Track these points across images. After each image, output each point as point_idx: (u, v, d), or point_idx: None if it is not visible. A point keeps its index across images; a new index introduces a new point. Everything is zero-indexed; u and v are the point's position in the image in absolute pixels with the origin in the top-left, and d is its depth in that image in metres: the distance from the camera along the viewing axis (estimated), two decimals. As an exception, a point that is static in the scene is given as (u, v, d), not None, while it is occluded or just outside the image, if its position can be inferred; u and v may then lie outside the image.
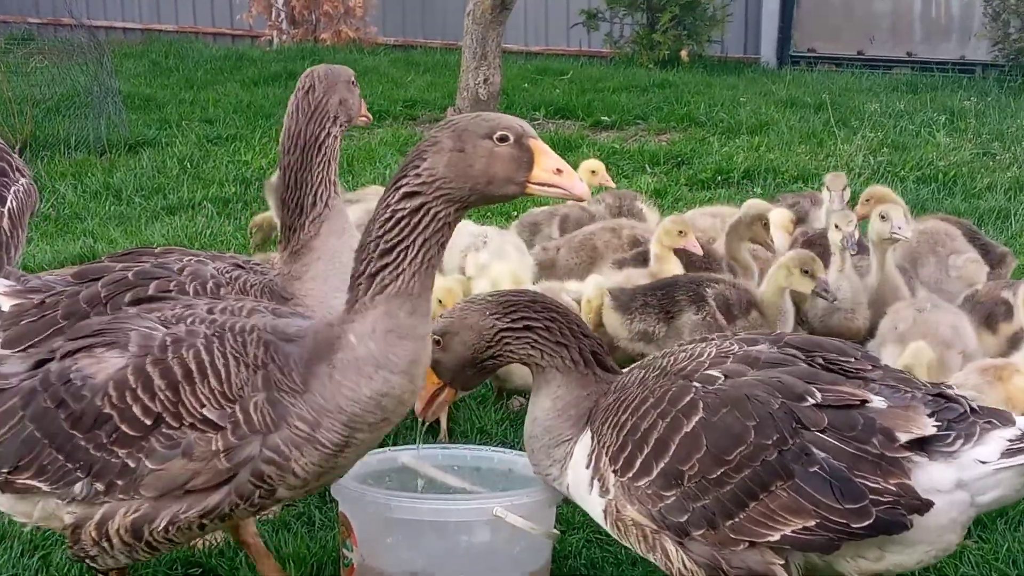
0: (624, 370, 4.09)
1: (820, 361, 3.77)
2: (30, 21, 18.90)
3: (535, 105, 13.18)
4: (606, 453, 3.80)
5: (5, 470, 3.59)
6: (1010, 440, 3.52)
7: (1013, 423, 3.58)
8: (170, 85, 14.37)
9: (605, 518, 3.86)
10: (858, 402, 3.59)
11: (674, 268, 6.34)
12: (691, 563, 3.68)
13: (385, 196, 3.37)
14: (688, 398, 3.68)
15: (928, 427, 3.53)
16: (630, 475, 3.72)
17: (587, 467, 3.87)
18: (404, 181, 3.34)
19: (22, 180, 6.09)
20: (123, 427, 3.45)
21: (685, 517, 3.64)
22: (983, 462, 3.51)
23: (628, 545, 3.88)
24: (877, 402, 3.60)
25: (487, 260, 6.44)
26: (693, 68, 15.55)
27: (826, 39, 16.43)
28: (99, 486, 3.50)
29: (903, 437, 3.52)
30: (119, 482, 3.48)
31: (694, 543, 3.66)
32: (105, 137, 11.20)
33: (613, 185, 8.40)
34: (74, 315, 4.39)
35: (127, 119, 11.72)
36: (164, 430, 3.44)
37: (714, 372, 3.74)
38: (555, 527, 4.33)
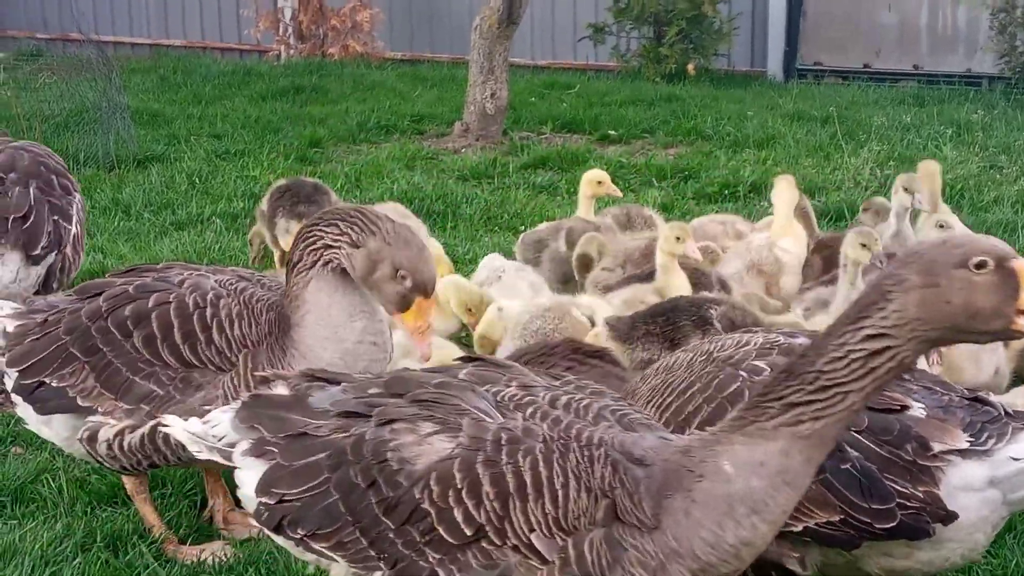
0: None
1: None
2: (38, 37, 18.96)
3: (542, 119, 13.20)
4: None
5: (302, 532, 3.32)
6: None
7: None
8: (178, 100, 14.40)
9: None
10: (898, 407, 3.63)
11: (679, 281, 6.28)
12: None
13: (841, 332, 2.96)
14: (734, 386, 3.75)
15: (962, 441, 3.58)
16: None
17: None
18: (867, 322, 2.94)
19: (77, 196, 6.31)
20: (440, 530, 3.10)
21: None
22: (1016, 459, 3.55)
23: None
24: (917, 409, 3.65)
25: (497, 297, 6.43)
26: (700, 82, 15.56)
27: (832, 52, 16.43)
28: None
29: (937, 448, 3.57)
30: None
31: None
32: (114, 153, 11.20)
33: (620, 195, 8.39)
34: (75, 330, 4.47)
35: (136, 134, 11.74)
36: (484, 544, 3.08)
37: (760, 363, 3.81)
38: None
